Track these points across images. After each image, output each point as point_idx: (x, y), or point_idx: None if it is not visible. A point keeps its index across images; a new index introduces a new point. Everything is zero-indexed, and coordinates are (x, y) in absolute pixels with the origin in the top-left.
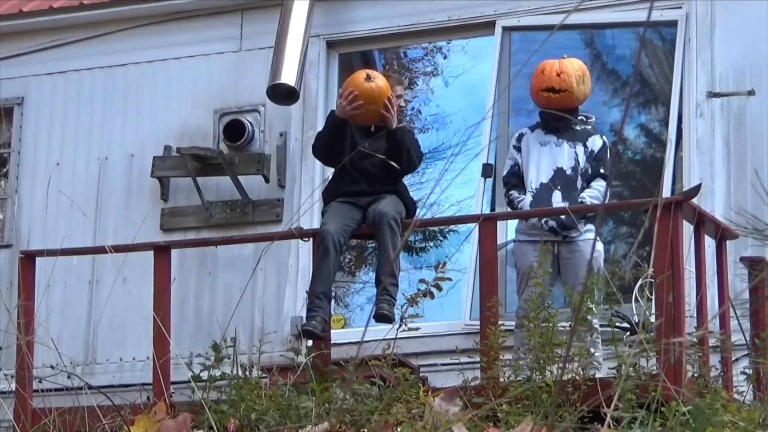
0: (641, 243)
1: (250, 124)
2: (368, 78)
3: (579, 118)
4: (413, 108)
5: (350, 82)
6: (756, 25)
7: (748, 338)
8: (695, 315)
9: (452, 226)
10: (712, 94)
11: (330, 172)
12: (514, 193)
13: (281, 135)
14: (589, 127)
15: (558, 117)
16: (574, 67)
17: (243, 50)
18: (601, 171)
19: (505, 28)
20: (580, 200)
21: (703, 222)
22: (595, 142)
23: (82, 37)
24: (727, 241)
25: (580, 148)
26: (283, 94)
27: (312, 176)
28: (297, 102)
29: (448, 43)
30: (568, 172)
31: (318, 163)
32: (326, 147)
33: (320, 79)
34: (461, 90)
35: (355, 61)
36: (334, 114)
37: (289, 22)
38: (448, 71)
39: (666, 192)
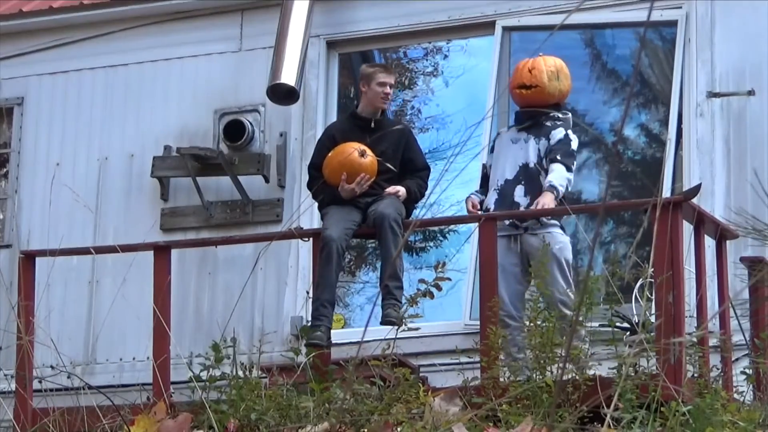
0: (641, 243)
1: (250, 124)
2: (363, 154)
3: (552, 114)
4: (413, 108)
5: (346, 162)
6: (756, 25)
7: (748, 338)
8: (695, 315)
9: (452, 226)
10: (712, 94)
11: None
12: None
13: (281, 135)
14: (560, 122)
15: (529, 114)
16: (546, 64)
17: (243, 50)
18: (558, 157)
19: (505, 28)
20: (548, 184)
21: (703, 222)
22: (556, 134)
23: (82, 37)
24: (727, 241)
25: (543, 143)
26: (283, 94)
27: None
28: (297, 102)
29: (448, 43)
30: (531, 166)
31: None
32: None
33: (320, 79)
34: (461, 90)
35: (355, 61)
36: (325, 187)
37: (289, 22)
38: (448, 71)
39: (666, 192)
